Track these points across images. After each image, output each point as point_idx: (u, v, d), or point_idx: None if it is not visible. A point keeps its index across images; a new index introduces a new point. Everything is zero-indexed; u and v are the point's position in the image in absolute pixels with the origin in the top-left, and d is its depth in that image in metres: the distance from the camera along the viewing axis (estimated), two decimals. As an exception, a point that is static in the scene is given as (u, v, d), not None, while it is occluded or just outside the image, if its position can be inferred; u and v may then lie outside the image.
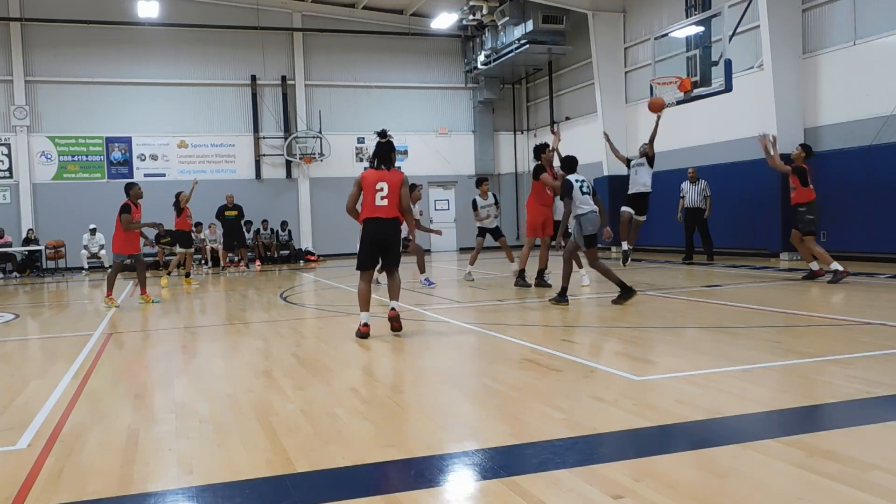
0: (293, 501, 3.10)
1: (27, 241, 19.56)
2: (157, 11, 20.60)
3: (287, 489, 3.20)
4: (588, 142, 21.18)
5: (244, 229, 20.24)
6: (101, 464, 3.59)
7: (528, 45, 20.88)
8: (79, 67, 21.32)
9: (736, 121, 16.00)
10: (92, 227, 19.73)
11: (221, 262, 20.42)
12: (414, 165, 24.10)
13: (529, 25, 20.68)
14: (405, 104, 24.18)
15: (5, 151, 20.83)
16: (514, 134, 25.63)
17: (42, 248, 19.68)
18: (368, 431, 3.99)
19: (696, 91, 13.92)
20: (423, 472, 3.36)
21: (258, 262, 20.37)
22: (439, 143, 24.35)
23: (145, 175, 21.99)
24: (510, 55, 21.75)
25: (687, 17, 16.06)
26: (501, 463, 3.38)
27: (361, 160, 23.79)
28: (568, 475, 3.15)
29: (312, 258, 21.64)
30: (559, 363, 5.57)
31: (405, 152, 24.00)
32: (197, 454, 3.71)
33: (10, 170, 20.84)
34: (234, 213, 19.01)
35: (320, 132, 22.82)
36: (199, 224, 20.79)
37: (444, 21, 22.78)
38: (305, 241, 22.99)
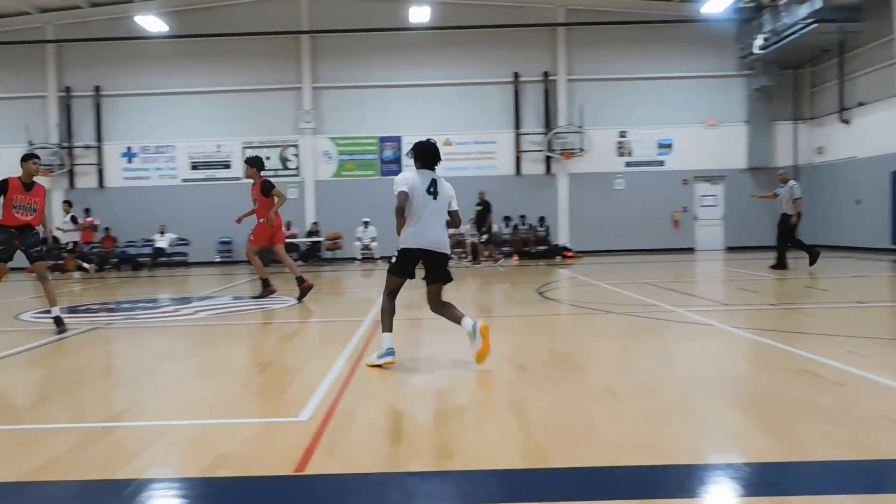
0: (542, 496, 3.08)
1: (310, 234, 22.30)
2: (427, 16, 21.69)
3: (537, 483, 3.20)
4: (886, 130, 18.82)
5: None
6: (369, 441, 3.86)
7: (815, 25, 18.94)
8: (355, 73, 23.18)
9: None
10: (365, 219, 21.46)
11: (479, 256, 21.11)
12: (679, 159, 23.07)
13: (818, 2, 18.74)
14: (669, 95, 23.16)
15: (294, 152, 23.38)
16: (794, 123, 23.45)
17: (322, 239, 22.35)
18: (624, 433, 3.87)
19: None
20: (684, 481, 3.17)
21: (515, 257, 20.80)
22: (706, 135, 23.04)
23: (413, 173, 23.41)
24: (793, 36, 19.90)
25: None
26: (769, 480, 3.10)
27: (622, 155, 23.24)
28: (848, 501, 2.80)
29: (569, 254, 21.58)
30: (842, 377, 4.98)
31: (669, 146, 23.07)
32: (456, 440, 3.84)
33: (297, 168, 23.36)
34: (479, 208, 19.46)
35: (580, 127, 22.68)
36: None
37: (717, 5, 21.43)
38: (562, 237, 23.01)
